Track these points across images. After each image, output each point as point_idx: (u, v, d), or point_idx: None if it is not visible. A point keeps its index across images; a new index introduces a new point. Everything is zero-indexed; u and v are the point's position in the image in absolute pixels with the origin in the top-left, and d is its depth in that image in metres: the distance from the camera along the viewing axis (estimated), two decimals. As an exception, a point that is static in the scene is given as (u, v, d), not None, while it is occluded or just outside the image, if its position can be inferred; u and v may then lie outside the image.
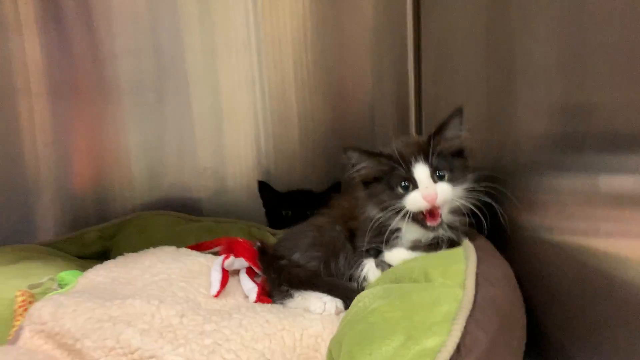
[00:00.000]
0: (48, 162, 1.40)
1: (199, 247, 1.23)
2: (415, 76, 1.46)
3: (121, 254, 1.11)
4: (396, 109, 1.49)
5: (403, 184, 0.92)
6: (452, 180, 0.91)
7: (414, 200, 0.90)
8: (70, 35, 1.36)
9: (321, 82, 1.46)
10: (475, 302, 0.71)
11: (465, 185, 0.93)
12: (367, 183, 0.98)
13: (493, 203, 0.90)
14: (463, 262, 0.80)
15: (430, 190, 0.89)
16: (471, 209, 0.91)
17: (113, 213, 1.44)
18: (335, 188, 1.40)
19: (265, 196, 1.44)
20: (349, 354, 0.66)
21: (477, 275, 0.77)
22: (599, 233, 0.64)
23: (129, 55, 1.38)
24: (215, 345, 0.78)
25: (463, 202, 0.91)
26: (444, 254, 0.88)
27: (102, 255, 1.29)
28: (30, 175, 1.40)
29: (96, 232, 1.36)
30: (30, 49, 1.34)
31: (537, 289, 0.81)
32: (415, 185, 0.91)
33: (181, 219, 1.39)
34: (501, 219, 0.90)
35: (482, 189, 0.91)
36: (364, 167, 0.96)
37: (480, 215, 0.90)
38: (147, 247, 1.15)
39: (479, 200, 0.92)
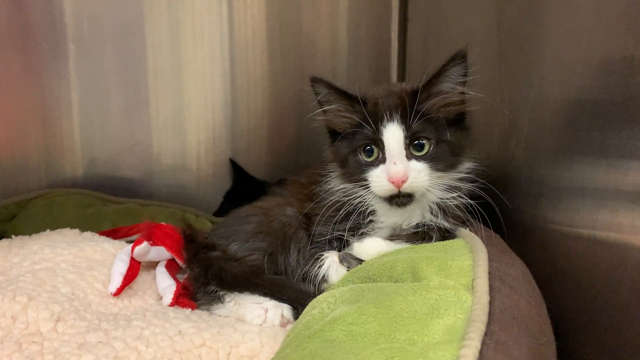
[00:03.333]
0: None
1: (114, 234, 0.98)
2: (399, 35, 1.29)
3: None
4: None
5: (367, 148, 0.68)
6: (436, 159, 0.67)
7: (377, 179, 0.67)
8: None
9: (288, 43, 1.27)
10: (491, 313, 0.46)
11: (455, 174, 0.69)
12: (335, 136, 0.72)
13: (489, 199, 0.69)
14: (468, 256, 0.56)
15: (398, 168, 0.65)
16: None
17: (24, 188, 1.17)
18: None
19: (238, 180, 1.23)
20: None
21: (490, 274, 0.51)
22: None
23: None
24: (96, 365, 0.54)
25: (448, 197, 0.68)
26: (438, 245, 0.63)
27: (-3, 241, 1.04)
28: None
29: (-11, 212, 1.11)
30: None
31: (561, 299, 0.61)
32: (382, 154, 0.67)
33: (98, 199, 1.12)
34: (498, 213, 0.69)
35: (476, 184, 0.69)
36: (331, 109, 0.70)
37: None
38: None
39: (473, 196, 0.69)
